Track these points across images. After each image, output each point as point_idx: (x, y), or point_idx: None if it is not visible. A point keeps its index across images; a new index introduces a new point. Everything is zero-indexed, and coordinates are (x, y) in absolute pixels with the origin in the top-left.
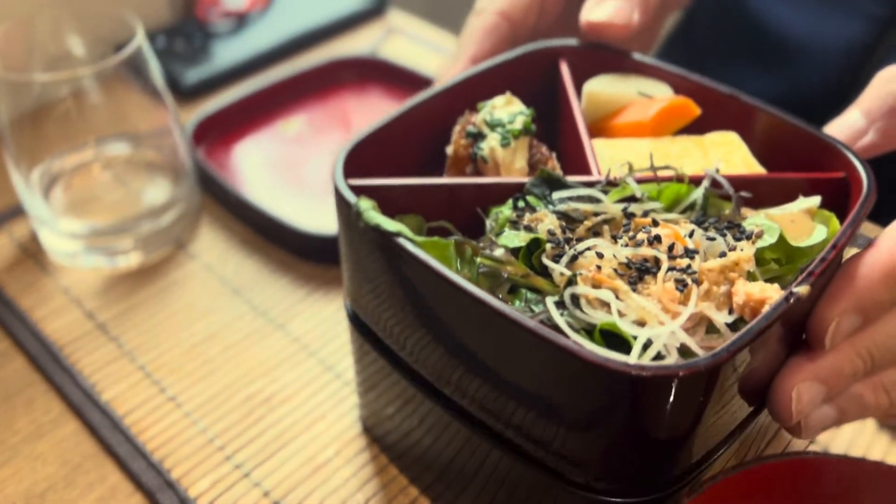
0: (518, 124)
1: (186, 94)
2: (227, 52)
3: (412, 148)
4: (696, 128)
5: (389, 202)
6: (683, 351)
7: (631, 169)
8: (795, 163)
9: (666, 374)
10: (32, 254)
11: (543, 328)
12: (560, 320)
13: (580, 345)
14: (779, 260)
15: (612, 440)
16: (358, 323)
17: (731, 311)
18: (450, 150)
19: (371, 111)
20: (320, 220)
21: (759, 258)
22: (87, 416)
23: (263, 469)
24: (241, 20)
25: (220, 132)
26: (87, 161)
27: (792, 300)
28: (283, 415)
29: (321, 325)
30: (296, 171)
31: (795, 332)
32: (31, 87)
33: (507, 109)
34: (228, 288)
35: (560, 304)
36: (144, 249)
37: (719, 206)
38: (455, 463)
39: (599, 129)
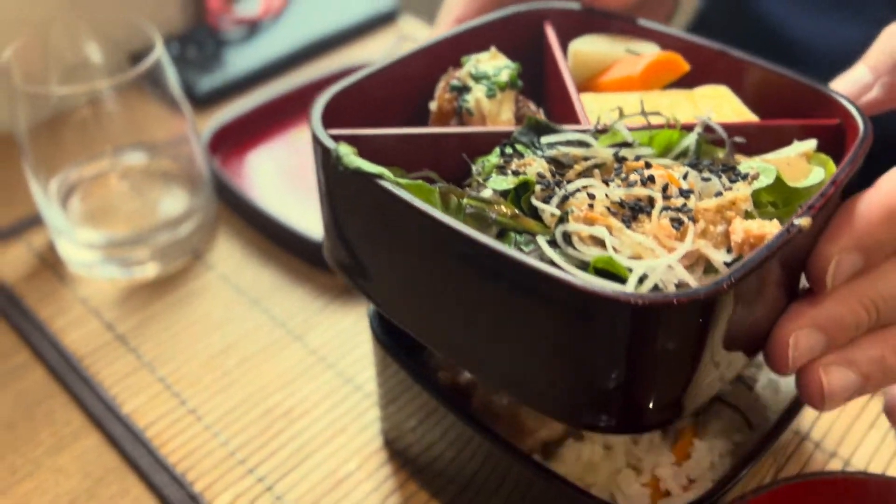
0: (504, 77)
1: (199, 102)
2: (240, 60)
3: (395, 105)
4: (686, 84)
5: (370, 153)
6: (681, 287)
7: (621, 115)
8: (789, 114)
9: (664, 301)
10: (51, 264)
11: (535, 261)
12: (553, 255)
13: (574, 275)
14: (776, 203)
15: (610, 379)
16: (380, 333)
17: (729, 251)
18: (433, 105)
19: None
20: None
21: (756, 200)
22: (108, 428)
23: (285, 483)
24: (253, 27)
25: (234, 141)
26: (104, 171)
27: (793, 231)
28: (303, 427)
29: (339, 336)
30: (311, 180)
31: (795, 275)
32: (49, 98)
33: (493, 63)
34: (246, 298)
35: (552, 244)
36: (161, 260)
37: (712, 152)
38: (477, 477)
39: (587, 87)
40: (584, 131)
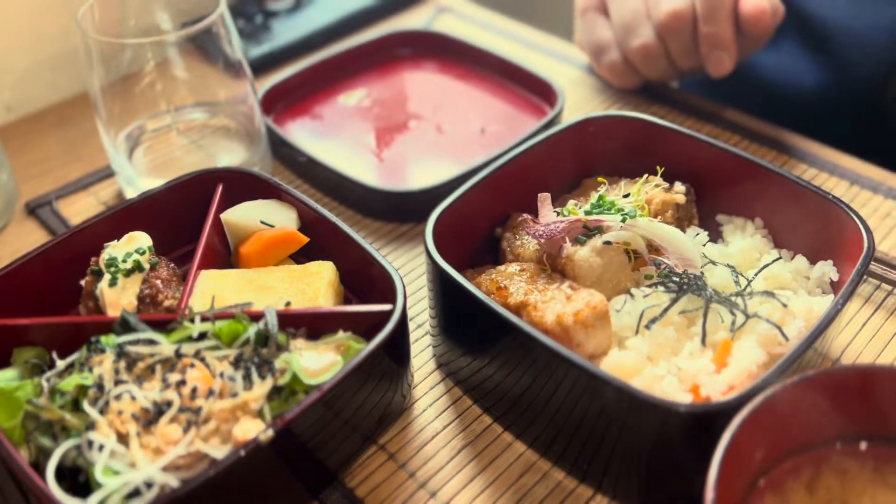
0: (129, 264)
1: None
2: (286, 31)
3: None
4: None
5: (18, 336)
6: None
7: (192, 311)
8: (376, 289)
9: None
10: None
11: None
12: (51, 470)
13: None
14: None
15: None
16: (438, 261)
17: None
18: (83, 282)
19: (427, 83)
20: (387, 180)
21: (294, 388)
22: None
23: None
24: (298, 1)
25: (285, 103)
26: (166, 126)
27: (252, 445)
28: None
29: None
30: (357, 136)
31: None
32: (121, 56)
33: (126, 248)
34: None
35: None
36: None
37: (277, 339)
38: (531, 388)
39: (237, 253)
40: (169, 322)
